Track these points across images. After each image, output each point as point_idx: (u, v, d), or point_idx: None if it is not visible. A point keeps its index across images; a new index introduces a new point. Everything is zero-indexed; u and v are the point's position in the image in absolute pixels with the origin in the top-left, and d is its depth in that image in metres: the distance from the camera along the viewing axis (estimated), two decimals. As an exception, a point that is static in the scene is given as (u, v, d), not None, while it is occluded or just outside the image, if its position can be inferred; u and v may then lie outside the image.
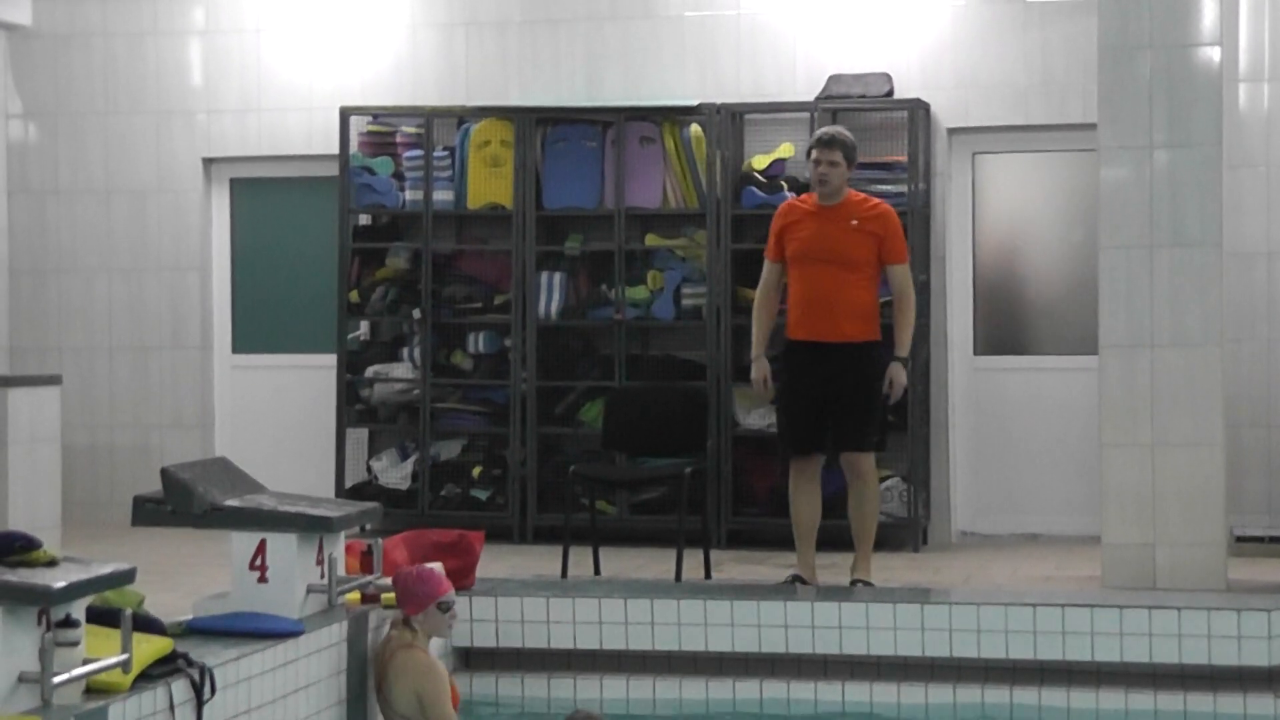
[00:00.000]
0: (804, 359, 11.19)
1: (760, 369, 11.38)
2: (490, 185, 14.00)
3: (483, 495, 13.93)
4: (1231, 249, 11.88)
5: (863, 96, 13.68)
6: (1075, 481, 13.48)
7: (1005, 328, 14.33)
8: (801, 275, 11.21)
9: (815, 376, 11.15)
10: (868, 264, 11.20)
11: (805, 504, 11.40)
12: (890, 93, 13.69)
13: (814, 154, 11.23)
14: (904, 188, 13.50)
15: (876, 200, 11.56)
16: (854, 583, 11.26)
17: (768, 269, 11.42)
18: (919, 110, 13.66)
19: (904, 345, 11.35)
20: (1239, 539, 11.98)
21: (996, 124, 13.92)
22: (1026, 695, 10.17)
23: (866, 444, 11.38)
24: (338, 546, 9.64)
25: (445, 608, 9.49)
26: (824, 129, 11.63)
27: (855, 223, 11.15)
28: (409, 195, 14.22)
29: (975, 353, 14.27)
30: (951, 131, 13.95)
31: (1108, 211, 11.57)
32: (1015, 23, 13.74)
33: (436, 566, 9.55)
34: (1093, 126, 11.71)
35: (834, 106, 13.68)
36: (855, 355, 11.20)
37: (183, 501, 9.34)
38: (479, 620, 10.41)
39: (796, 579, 11.31)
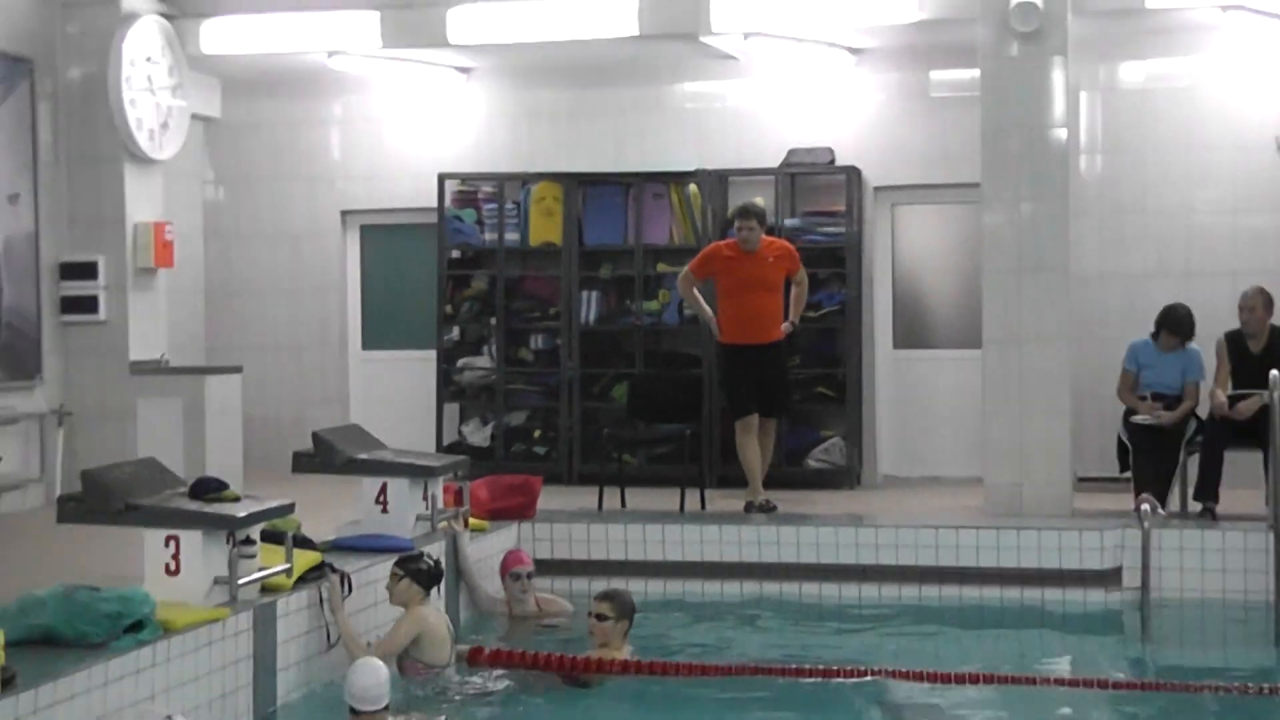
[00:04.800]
0: (740, 357, 11.63)
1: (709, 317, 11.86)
2: (546, 228, 14.02)
3: (541, 450, 13.95)
4: (1074, 273, 11.89)
5: (813, 164, 13.70)
6: (965, 438, 13.45)
7: (915, 329, 14.29)
8: (737, 300, 11.63)
9: (749, 366, 11.58)
10: (780, 286, 11.73)
11: (751, 451, 11.63)
12: (832, 161, 13.68)
13: (738, 222, 11.76)
14: (842, 229, 13.51)
15: (781, 241, 12.07)
16: (756, 504, 11.42)
17: (690, 279, 11.82)
18: (853, 173, 13.64)
19: (796, 315, 11.90)
20: (1081, 479, 11.98)
21: (910, 183, 13.87)
22: (930, 591, 10.23)
23: (780, 411, 11.96)
24: (438, 487, 9.73)
25: (516, 578, 9.55)
26: (743, 204, 11.93)
27: (771, 260, 11.62)
28: (487, 236, 14.22)
29: (894, 347, 14.22)
30: (877, 189, 13.90)
31: (988, 246, 11.58)
32: (924, 110, 13.71)
33: (526, 559, 9.67)
34: (977, 185, 11.71)
35: (792, 171, 13.68)
36: (775, 350, 11.73)
37: (327, 456, 9.44)
38: (539, 539, 10.51)
39: (750, 506, 11.41)
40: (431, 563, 8.20)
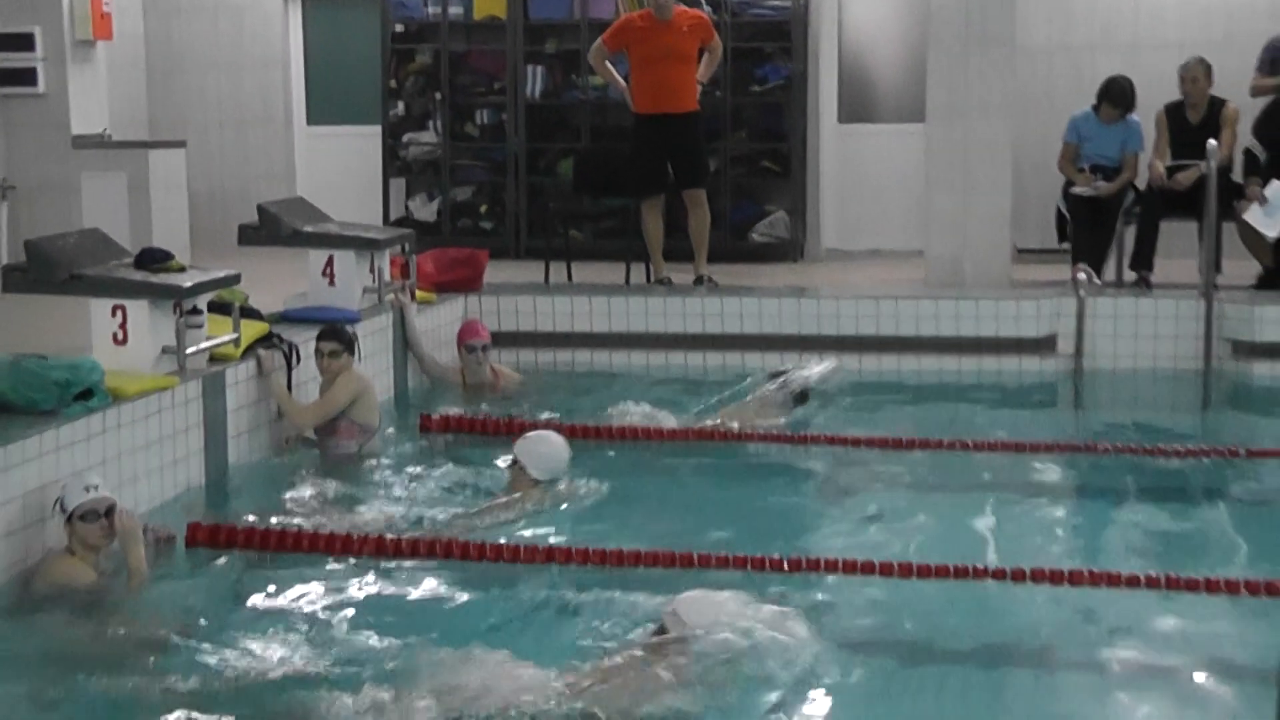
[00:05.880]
0: (655, 127, 11.31)
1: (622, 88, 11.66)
2: (490, 2, 13.87)
3: (488, 225, 13.96)
4: (1021, 45, 11.83)
5: (758, -64, 13.55)
6: (908, 212, 13.52)
7: (860, 103, 14.29)
8: (650, 70, 11.31)
9: (661, 139, 11.31)
10: (694, 57, 11.39)
11: (655, 228, 11.51)
12: (778, -67, 13.56)
13: None
14: (788, 2, 13.40)
15: (694, 11, 11.68)
16: (698, 280, 11.36)
17: (602, 51, 11.51)
18: (799, -55, 13.52)
19: (706, 75, 11.56)
20: (1020, 250, 12.09)
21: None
22: (869, 361, 10.32)
23: (700, 181, 11.53)
24: (384, 260, 9.73)
25: (472, 350, 9.58)
26: None
27: (685, 29, 11.33)
28: (431, 9, 14.05)
29: (839, 121, 14.24)
30: (823, -40, 13.82)
31: (934, 19, 11.47)
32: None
33: (483, 331, 9.64)
34: (922, -44, 11.63)
35: (738, -56, 13.54)
36: (690, 120, 11.41)
37: (273, 228, 9.39)
38: (486, 312, 10.54)
39: (660, 280, 11.44)
40: (352, 330, 8.28)
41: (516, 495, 7.04)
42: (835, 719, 4.81)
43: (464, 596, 5.90)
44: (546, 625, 5.56)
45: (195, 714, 4.75)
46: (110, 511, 5.89)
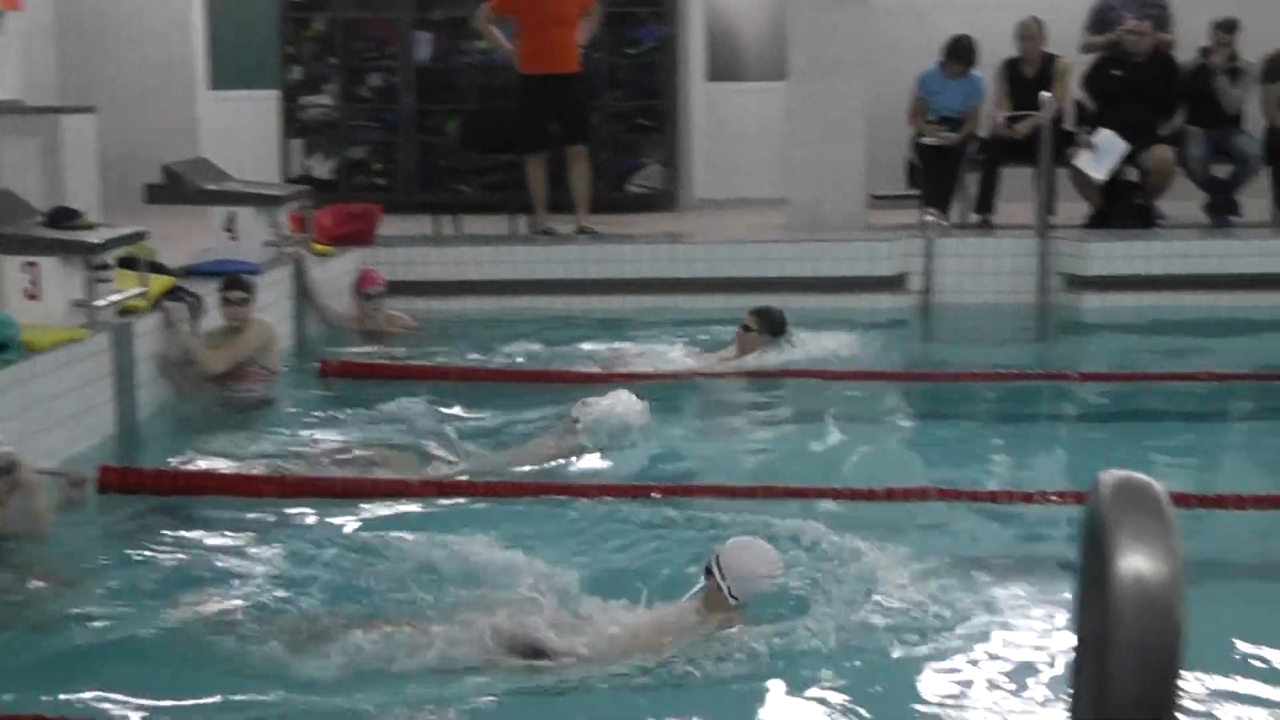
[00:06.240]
0: (539, 87, 11.22)
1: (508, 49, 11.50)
2: (380, -28, 13.78)
3: (382, 182, 13.87)
4: (875, 6, 11.89)
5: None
6: (773, 162, 13.59)
7: (726, 63, 14.33)
8: (535, 34, 11.22)
9: (546, 98, 11.23)
10: (576, 21, 11.29)
11: (540, 182, 11.47)
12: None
13: None
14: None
15: None
16: (580, 230, 11.35)
17: (488, 15, 11.39)
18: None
19: (586, 38, 11.43)
20: (874, 197, 12.19)
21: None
22: (734, 300, 10.29)
23: (582, 139, 11.47)
24: (283, 215, 9.67)
25: (369, 297, 9.53)
26: None
27: None
28: (325, -21, 13.95)
29: (708, 80, 14.28)
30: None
31: (790, -18, 11.58)
32: None
33: (379, 279, 9.57)
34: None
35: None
36: (573, 80, 11.33)
37: (177, 186, 9.32)
38: (381, 263, 10.47)
39: (544, 231, 11.44)
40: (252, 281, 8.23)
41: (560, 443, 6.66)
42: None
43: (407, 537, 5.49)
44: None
45: (100, 658, 4.52)
46: (11, 468, 5.47)
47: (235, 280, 8.08)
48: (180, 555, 5.49)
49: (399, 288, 10.26)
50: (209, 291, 8.16)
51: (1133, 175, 11.21)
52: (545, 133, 11.40)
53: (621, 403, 6.74)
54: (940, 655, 4.44)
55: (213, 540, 5.63)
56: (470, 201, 12.86)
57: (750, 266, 10.49)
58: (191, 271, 8.86)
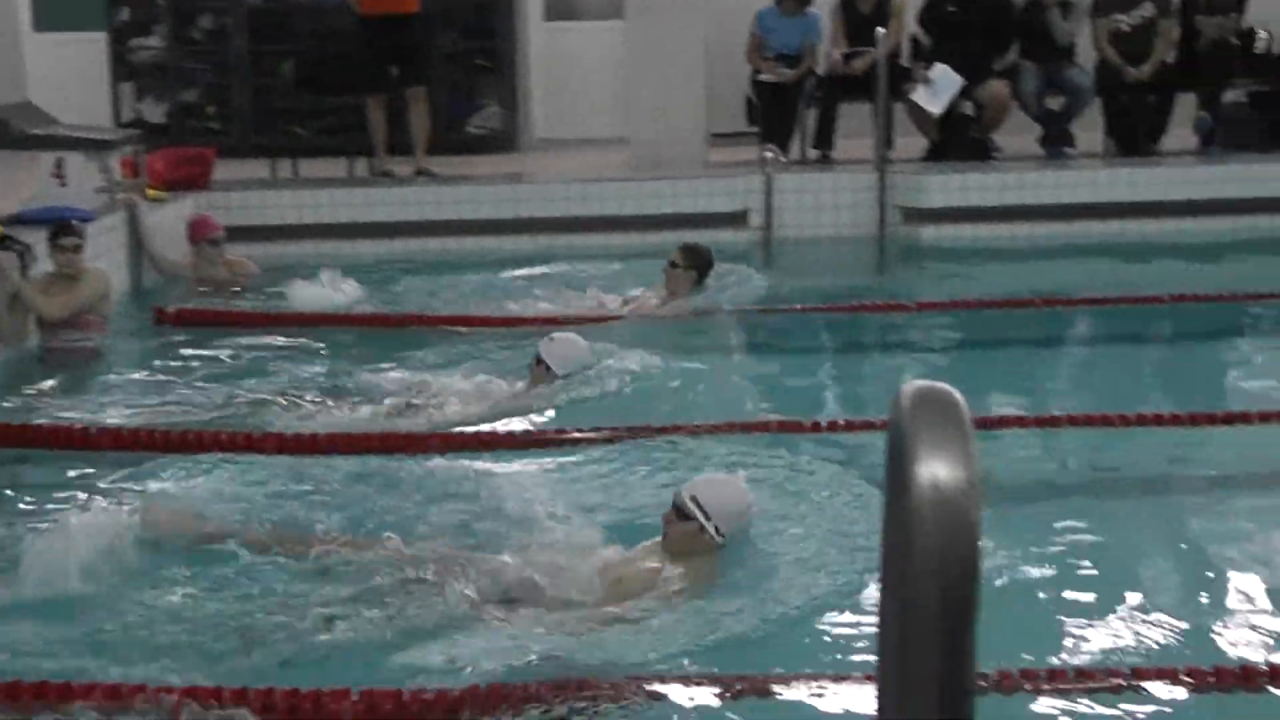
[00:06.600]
0: (377, 29, 11.11)
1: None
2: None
3: (216, 125, 13.62)
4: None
5: None
6: (613, 102, 13.55)
7: (563, 1, 14.30)
8: None
9: (386, 39, 11.12)
10: None
11: (380, 124, 11.41)
12: None
13: None
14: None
15: None
16: (419, 171, 11.29)
17: None
18: None
19: None
20: (714, 135, 12.25)
21: None
22: (576, 240, 10.41)
23: (422, 80, 11.43)
24: (114, 160, 9.49)
25: (211, 243, 9.33)
26: None
27: None
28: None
29: (545, 19, 14.24)
30: None
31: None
32: None
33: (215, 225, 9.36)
34: None
35: None
36: (412, 21, 11.23)
37: (2, 131, 9.10)
38: (216, 207, 10.32)
39: (383, 173, 11.36)
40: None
41: (538, 389, 6.53)
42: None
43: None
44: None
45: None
46: None
47: (66, 226, 7.91)
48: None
49: (237, 233, 10.05)
50: (38, 240, 7.99)
51: (968, 109, 11.40)
52: (385, 74, 11.28)
53: (579, 344, 6.64)
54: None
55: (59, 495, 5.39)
56: (307, 144, 12.69)
57: (592, 205, 10.52)
58: (20, 220, 8.65)
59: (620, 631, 4.15)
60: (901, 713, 1.61)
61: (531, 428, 6.16)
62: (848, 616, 4.24)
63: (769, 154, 10.53)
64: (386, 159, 11.39)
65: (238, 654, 4.04)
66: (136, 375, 7.39)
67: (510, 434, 6.03)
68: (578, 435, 5.85)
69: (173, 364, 7.53)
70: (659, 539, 4.53)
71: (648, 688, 3.74)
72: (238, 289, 9.25)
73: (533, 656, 3.96)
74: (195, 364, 7.51)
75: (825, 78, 11.56)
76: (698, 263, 8.40)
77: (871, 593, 4.25)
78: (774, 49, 11.64)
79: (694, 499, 4.45)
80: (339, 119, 12.82)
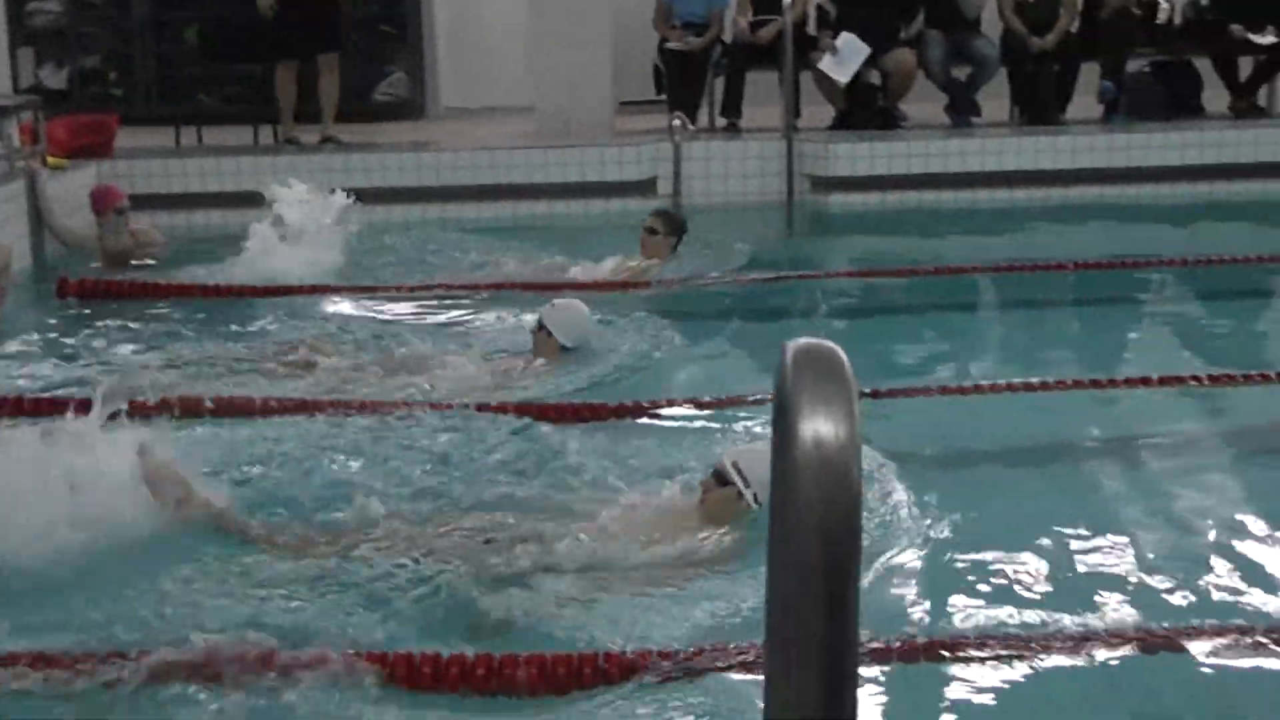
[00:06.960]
0: None
1: None
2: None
3: (119, 92, 13.48)
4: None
5: None
6: (520, 69, 13.46)
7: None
8: None
9: (297, 5, 10.98)
10: None
11: (289, 92, 11.33)
12: None
13: None
14: None
15: None
16: (325, 139, 11.25)
17: None
18: None
19: None
20: (622, 103, 12.26)
21: None
22: (485, 209, 10.40)
23: (335, 46, 11.38)
24: (13, 127, 9.36)
25: (118, 212, 9.17)
26: None
27: None
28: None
29: (451, -14, 14.20)
30: None
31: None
32: None
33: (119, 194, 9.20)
34: None
35: None
36: None
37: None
38: (120, 176, 10.19)
39: (290, 140, 11.28)
40: None
41: (540, 361, 6.48)
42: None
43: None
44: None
45: None
46: None
47: None
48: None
49: (140, 201, 9.96)
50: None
51: (874, 78, 11.48)
52: (297, 40, 11.17)
53: (581, 309, 6.60)
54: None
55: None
56: (211, 112, 12.58)
57: (499, 174, 10.51)
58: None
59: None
60: (786, 667, 1.65)
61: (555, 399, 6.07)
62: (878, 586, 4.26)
63: (677, 122, 10.55)
64: (293, 126, 11.31)
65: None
66: (37, 348, 7.29)
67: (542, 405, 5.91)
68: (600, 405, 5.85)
69: (75, 337, 7.44)
70: (694, 500, 4.60)
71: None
72: (145, 259, 9.14)
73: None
74: (98, 338, 7.40)
75: (732, 46, 11.60)
76: (674, 227, 8.43)
77: (893, 563, 4.36)
78: (681, 17, 11.66)
79: (735, 465, 4.51)
80: (244, 86, 12.72)
